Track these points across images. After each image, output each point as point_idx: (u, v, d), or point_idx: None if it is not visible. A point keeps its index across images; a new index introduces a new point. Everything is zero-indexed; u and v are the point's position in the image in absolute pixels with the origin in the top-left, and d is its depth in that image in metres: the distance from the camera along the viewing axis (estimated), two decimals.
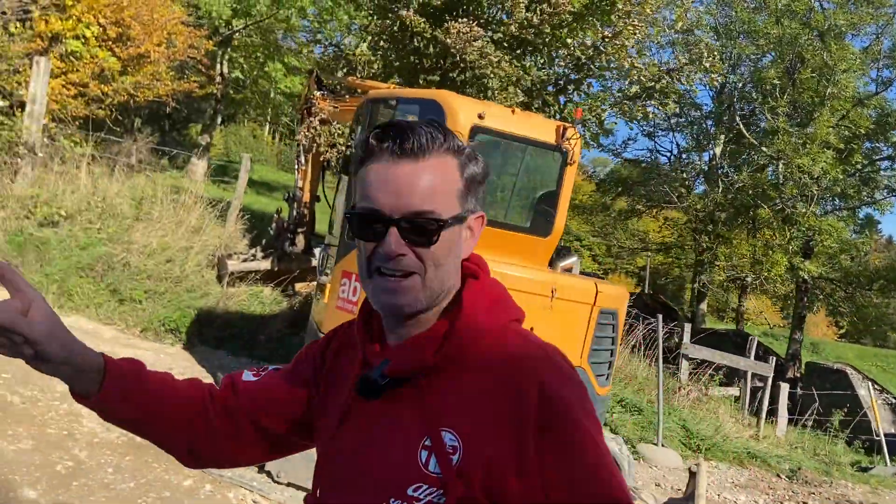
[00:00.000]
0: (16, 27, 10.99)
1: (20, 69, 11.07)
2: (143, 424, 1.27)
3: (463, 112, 4.50)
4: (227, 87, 18.89)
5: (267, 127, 39.86)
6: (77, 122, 11.95)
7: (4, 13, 10.30)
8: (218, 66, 18.12)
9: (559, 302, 4.48)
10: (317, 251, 9.05)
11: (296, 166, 8.56)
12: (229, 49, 18.12)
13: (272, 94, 20.88)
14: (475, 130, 4.49)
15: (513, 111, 4.63)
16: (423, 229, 1.03)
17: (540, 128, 4.62)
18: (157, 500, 4.48)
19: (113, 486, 4.49)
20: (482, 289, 1.10)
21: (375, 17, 7.93)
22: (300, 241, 8.64)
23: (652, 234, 31.64)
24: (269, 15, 15.79)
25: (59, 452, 4.72)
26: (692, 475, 5.92)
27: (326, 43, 13.69)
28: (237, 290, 8.66)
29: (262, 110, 30.08)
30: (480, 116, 4.48)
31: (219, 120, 21.56)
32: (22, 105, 10.70)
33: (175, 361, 7.27)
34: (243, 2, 15.28)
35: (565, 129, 4.58)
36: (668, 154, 24.32)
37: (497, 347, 1.04)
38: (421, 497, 1.00)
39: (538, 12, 6.94)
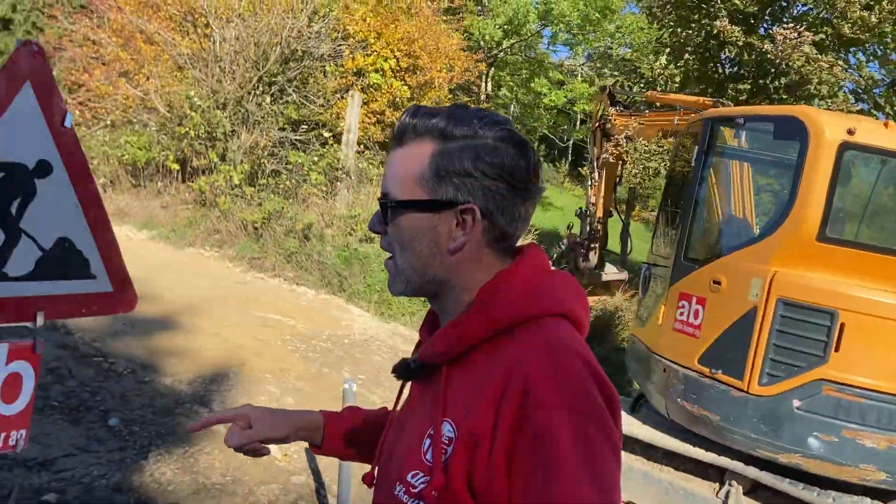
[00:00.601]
0: (330, 67, 12.60)
1: (332, 103, 12.69)
2: (365, 459, 1.42)
3: (829, 128, 4.22)
4: (491, 105, 19.87)
5: None
6: (376, 146, 13.38)
7: (324, 58, 11.84)
8: (483, 84, 19.12)
9: None
10: (609, 267, 9.14)
11: (588, 182, 8.70)
12: (493, 68, 19.05)
13: (535, 109, 21.51)
14: (844, 147, 4.18)
15: (886, 125, 4.24)
16: (380, 211, 1.09)
17: None
18: None
19: None
20: (506, 280, 1.04)
21: (679, 30, 7.80)
22: (592, 256, 8.75)
23: None
24: (535, 32, 16.32)
25: None
26: None
27: (594, 55, 13.75)
28: None
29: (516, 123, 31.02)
30: (850, 132, 4.17)
31: None
32: (334, 135, 12.26)
33: None
34: (513, 23, 15.98)
35: None
36: None
37: (508, 340, 1.00)
38: (415, 484, 1.00)
39: (876, 11, 6.28)
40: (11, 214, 2.18)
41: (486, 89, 19.24)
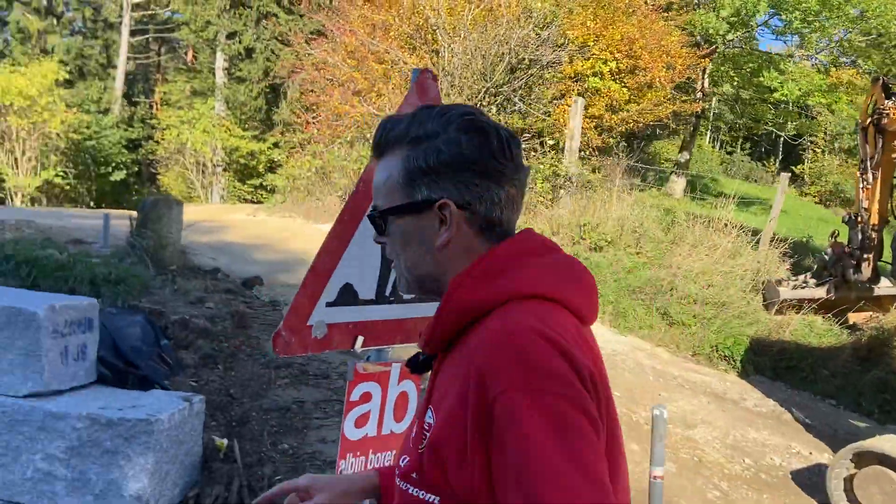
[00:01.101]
0: (549, 74, 12.54)
1: (550, 111, 12.60)
2: None
3: None
4: (708, 103, 18.67)
5: (707, 136, 38.58)
6: (592, 151, 13.09)
7: (547, 65, 11.78)
8: (700, 81, 18.02)
9: None
10: (884, 280, 8.09)
11: (860, 185, 7.75)
12: (711, 63, 17.87)
13: (759, 105, 19.87)
14: None
15: None
16: (372, 223, 1.13)
17: None
18: None
19: None
20: (476, 265, 1.04)
21: None
22: (865, 268, 7.77)
23: None
24: (764, 21, 15.08)
25: (701, 480, 4.93)
26: None
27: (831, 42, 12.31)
28: (786, 319, 8.23)
29: (709, 122, 29.04)
30: None
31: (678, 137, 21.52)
32: (554, 141, 12.15)
33: (743, 391, 7.19)
34: (740, 14, 14.87)
35: None
36: None
37: (480, 327, 0.99)
38: (403, 466, 1.04)
39: None
40: None
41: (702, 86, 18.11)
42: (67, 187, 21.78)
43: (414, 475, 0.99)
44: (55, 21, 26.88)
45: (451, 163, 1.04)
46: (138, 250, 5.83)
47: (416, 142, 1.06)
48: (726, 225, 9.66)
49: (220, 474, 4.03)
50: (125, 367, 4.38)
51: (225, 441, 4.27)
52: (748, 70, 17.80)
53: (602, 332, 8.31)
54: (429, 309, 2.36)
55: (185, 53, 29.77)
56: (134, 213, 6.28)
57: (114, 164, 23.39)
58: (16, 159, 19.72)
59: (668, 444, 5.47)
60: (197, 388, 4.60)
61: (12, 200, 19.79)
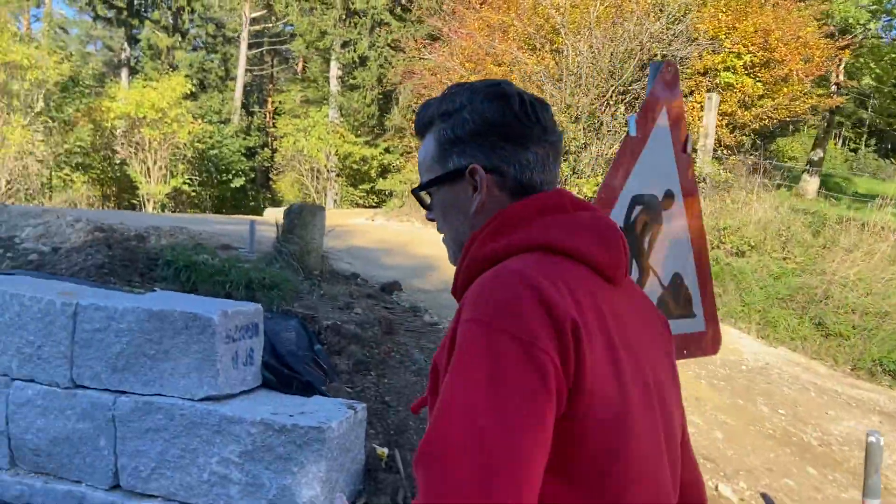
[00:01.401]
0: (679, 70, 11.97)
1: None
2: None
3: None
4: (844, 96, 17.34)
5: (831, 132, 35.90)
6: (724, 150, 12.41)
7: (681, 60, 11.25)
8: (834, 74, 16.79)
9: None
10: None
11: None
12: (850, 54, 16.59)
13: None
14: None
15: None
16: (417, 199, 1.18)
17: None
18: None
19: None
20: (489, 223, 1.05)
21: None
22: None
23: None
24: None
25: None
26: None
27: None
28: None
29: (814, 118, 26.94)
30: None
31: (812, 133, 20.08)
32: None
33: None
34: (883, 1, 13.69)
35: None
36: None
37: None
38: (418, 399, 1.09)
39: None
40: (644, 250, 2.04)
41: (836, 79, 16.85)
42: (193, 194, 22.99)
43: (426, 408, 1.04)
44: (181, 37, 28.51)
45: (476, 130, 1.07)
46: (285, 256, 5.93)
47: (447, 116, 1.10)
48: (883, 228, 8.86)
49: (385, 484, 3.97)
50: (288, 373, 4.40)
51: (385, 450, 4.22)
52: (888, 61, 16.38)
53: (749, 343, 7.79)
54: (693, 325, 2.15)
55: (296, 64, 30.85)
56: (261, 217, 6.41)
57: (234, 172, 24.49)
58: (148, 168, 20.96)
59: (848, 469, 5.01)
60: (353, 394, 4.58)
61: (144, 207, 21.06)
